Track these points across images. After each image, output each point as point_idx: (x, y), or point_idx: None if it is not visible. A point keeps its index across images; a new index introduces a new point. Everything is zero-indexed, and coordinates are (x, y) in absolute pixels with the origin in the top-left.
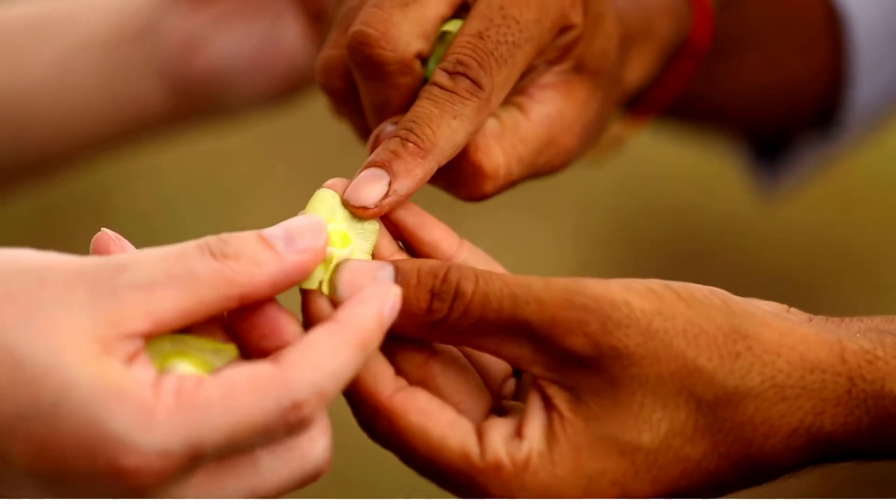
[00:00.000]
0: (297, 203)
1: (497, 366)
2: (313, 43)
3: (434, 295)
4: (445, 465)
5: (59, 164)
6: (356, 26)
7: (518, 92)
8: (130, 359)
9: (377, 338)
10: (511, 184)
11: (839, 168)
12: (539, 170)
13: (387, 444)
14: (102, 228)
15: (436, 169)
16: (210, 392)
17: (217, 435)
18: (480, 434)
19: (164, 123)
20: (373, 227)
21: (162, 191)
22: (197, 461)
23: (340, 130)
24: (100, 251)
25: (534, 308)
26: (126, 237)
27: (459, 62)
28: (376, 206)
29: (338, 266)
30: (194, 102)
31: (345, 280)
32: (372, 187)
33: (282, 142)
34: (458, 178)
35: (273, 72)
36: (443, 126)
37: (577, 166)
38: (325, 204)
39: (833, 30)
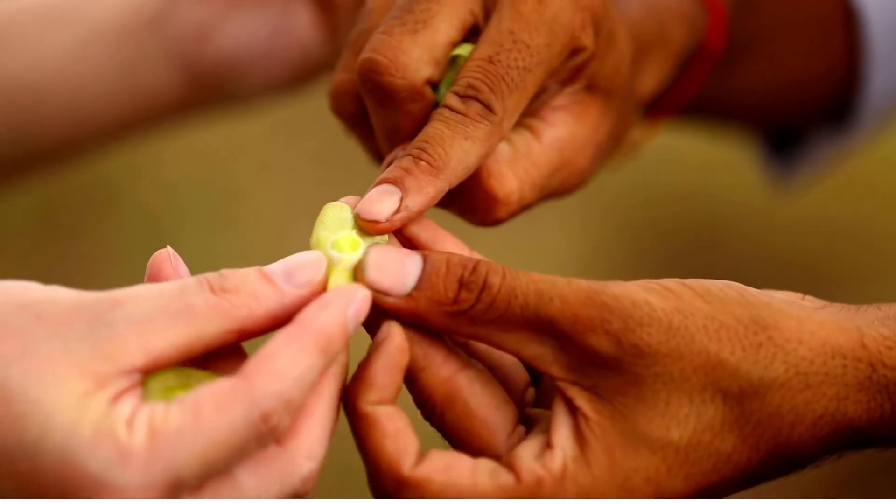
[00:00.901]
0: (306, 193)
1: (517, 375)
2: (324, 30)
3: (462, 285)
4: None
5: (72, 153)
6: (366, 53)
7: (530, 114)
8: (121, 394)
9: (339, 341)
10: (524, 208)
11: (853, 156)
12: (553, 192)
13: None
14: (168, 247)
15: (447, 189)
16: (179, 419)
17: (193, 459)
18: (510, 461)
19: (177, 111)
20: (383, 237)
21: (168, 182)
22: (178, 490)
23: (329, 123)
24: (155, 268)
25: (557, 305)
26: (132, 229)
27: (470, 86)
28: (387, 221)
29: (368, 250)
30: (206, 90)
31: (373, 262)
32: (384, 202)
33: (290, 131)
34: (472, 204)
35: (285, 59)
36: (455, 147)
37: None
38: (336, 216)
39: (847, 25)
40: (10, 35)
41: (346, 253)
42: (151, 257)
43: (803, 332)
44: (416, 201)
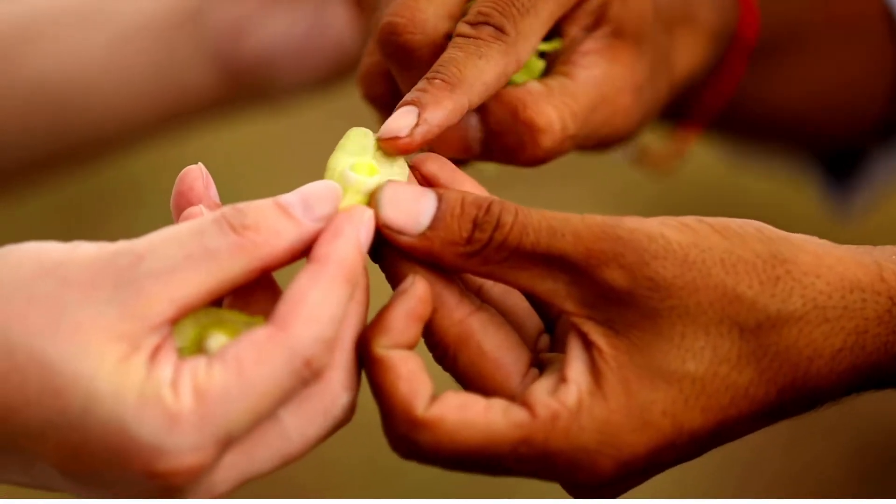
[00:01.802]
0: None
1: (530, 321)
2: (360, 27)
3: (476, 225)
4: (504, 445)
5: (108, 150)
6: (384, 19)
7: (562, 62)
8: (156, 351)
9: (359, 267)
10: (571, 141)
11: None
12: (598, 129)
13: (435, 458)
14: (199, 164)
15: (466, 105)
16: (224, 379)
17: (242, 417)
18: (525, 398)
19: (213, 108)
20: (402, 172)
21: None
22: (228, 446)
23: (369, 117)
24: (186, 185)
25: (570, 240)
26: (155, 227)
27: (481, 13)
28: (408, 137)
29: (380, 186)
30: (242, 87)
31: (388, 199)
32: (403, 119)
33: (317, 130)
34: (514, 142)
35: (320, 56)
36: (469, 65)
37: (596, 161)
38: (357, 142)
39: (894, 34)
40: (47, 35)
41: (361, 175)
42: (181, 174)
43: (821, 267)
44: (435, 115)
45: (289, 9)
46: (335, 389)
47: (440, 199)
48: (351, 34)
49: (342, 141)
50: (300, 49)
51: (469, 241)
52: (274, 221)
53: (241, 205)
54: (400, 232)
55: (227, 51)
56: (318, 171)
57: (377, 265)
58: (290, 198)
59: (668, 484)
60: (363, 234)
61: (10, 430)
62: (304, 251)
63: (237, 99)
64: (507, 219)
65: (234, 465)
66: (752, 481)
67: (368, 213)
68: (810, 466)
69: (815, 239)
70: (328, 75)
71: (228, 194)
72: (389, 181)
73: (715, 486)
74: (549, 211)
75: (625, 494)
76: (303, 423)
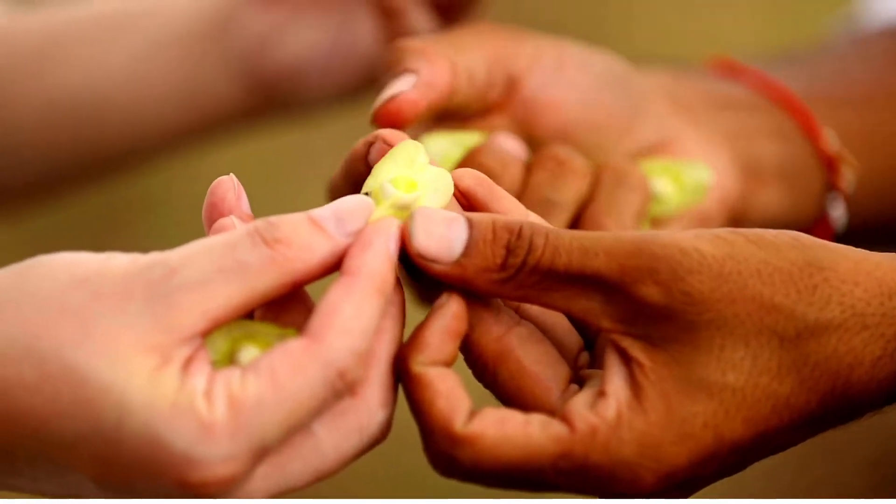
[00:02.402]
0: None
1: (570, 338)
2: (386, 40)
3: (509, 250)
4: (544, 459)
5: (135, 162)
6: None
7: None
8: (188, 363)
9: (391, 278)
10: None
11: None
12: None
13: (474, 474)
14: (231, 175)
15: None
16: (258, 389)
17: (276, 428)
18: (564, 413)
19: (239, 120)
20: (447, 188)
21: None
22: (262, 457)
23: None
24: (219, 196)
25: (603, 259)
26: (187, 236)
27: None
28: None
29: (412, 213)
30: (269, 99)
31: (420, 227)
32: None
33: (344, 142)
34: None
35: (347, 68)
36: None
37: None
38: (407, 154)
39: None
40: (72, 48)
41: (399, 190)
42: (212, 185)
43: (859, 273)
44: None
45: (315, 21)
46: (371, 406)
47: (471, 225)
48: (377, 46)
49: (393, 150)
50: (326, 61)
51: (503, 266)
52: (306, 236)
53: (274, 218)
54: (434, 261)
55: (254, 63)
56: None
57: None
58: (322, 212)
59: None
60: (392, 246)
61: (43, 440)
62: (336, 266)
63: (263, 111)
64: (539, 241)
65: (268, 477)
66: (767, 495)
67: (394, 224)
68: (824, 481)
69: (851, 247)
70: (354, 87)
71: (258, 205)
72: (421, 207)
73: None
74: (581, 231)
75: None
76: (338, 438)
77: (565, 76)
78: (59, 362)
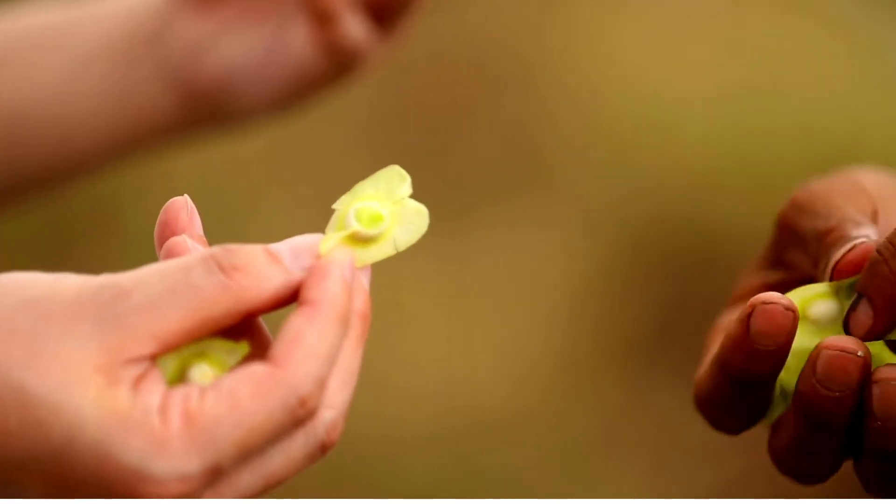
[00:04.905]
0: (308, 212)
1: None
2: (320, 47)
3: None
4: None
5: (68, 177)
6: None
7: None
8: (138, 381)
9: (348, 306)
10: None
11: None
12: None
13: None
14: (185, 195)
15: None
16: (216, 408)
17: (232, 448)
18: None
19: (174, 131)
20: (419, 228)
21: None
22: (216, 477)
23: (350, 135)
24: (172, 216)
25: None
26: (138, 247)
27: None
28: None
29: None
30: (203, 109)
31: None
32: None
33: (292, 147)
34: None
35: (281, 77)
36: None
37: (589, 177)
38: (389, 182)
39: None
40: (5, 62)
41: (361, 223)
42: (166, 205)
43: None
44: None
45: (248, 30)
46: (318, 426)
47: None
48: (312, 54)
49: (377, 174)
50: (260, 70)
51: None
52: (263, 266)
53: (232, 246)
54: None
55: (186, 73)
56: (302, 186)
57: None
58: (279, 246)
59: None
60: (347, 273)
61: None
62: (289, 298)
63: (199, 121)
64: None
65: (217, 491)
66: (767, 495)
67: (349, 255)
68: (735, 482)
69: None
70: (290, 95)
71: (213, 212)
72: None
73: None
74: None
75: (625, 496)
76: (284, 450)
77: (892, 203)
78: (6, 383)
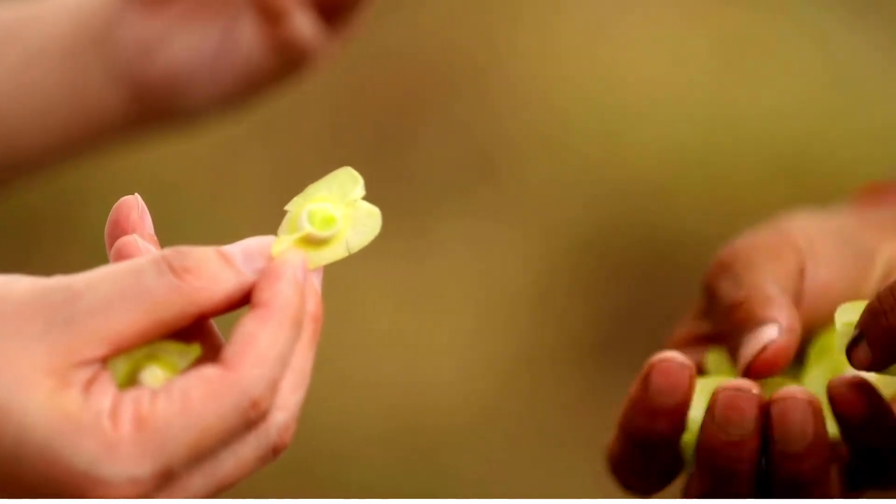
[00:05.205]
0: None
1: None
2: (270, 44)
3: None
4: None
5: (17, 175)
6: None
7: None
8: (89, 384)
9: (302, 308)
10: None
11: None
12: None
13: None
14: (136, 194)
15: None
16: (167, 410)
17: (182, 451)
18: None
19: (124, 129)
20: (372, 230)
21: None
22: (167, 478)
23: (303, 136)
24: (122, 215)
25: None
26: (90, 247)
27: None
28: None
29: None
30: (153, 107)
31: None
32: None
33: (245, 149)
34: None
35: (230, 74)
36: None
37: (544, 177)
38: (342, 184)
39: None
40: None
41: (314, 225)
42: (116, 204)
43: None
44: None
45: (198, 27)
46: (270, 428)
47: None
48: (262, 51)
49: (330, 175)
50: (210, 67)
51: None
52: (215, 268)
53: (184, 248)
54: None
55: (136, 70)
56: (253, 184)
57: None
58: (231, 248)
59: None
60: (299, 274)
61: None
62: (241, 301)
63: (149, 118)
64: None
65: (169, 493)
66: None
67: (301, 257)
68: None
69: None
70: (239, 93)
71: (162, 212)
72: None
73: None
74: None
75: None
76: (235, 453)
77: (822, 254)
78: None
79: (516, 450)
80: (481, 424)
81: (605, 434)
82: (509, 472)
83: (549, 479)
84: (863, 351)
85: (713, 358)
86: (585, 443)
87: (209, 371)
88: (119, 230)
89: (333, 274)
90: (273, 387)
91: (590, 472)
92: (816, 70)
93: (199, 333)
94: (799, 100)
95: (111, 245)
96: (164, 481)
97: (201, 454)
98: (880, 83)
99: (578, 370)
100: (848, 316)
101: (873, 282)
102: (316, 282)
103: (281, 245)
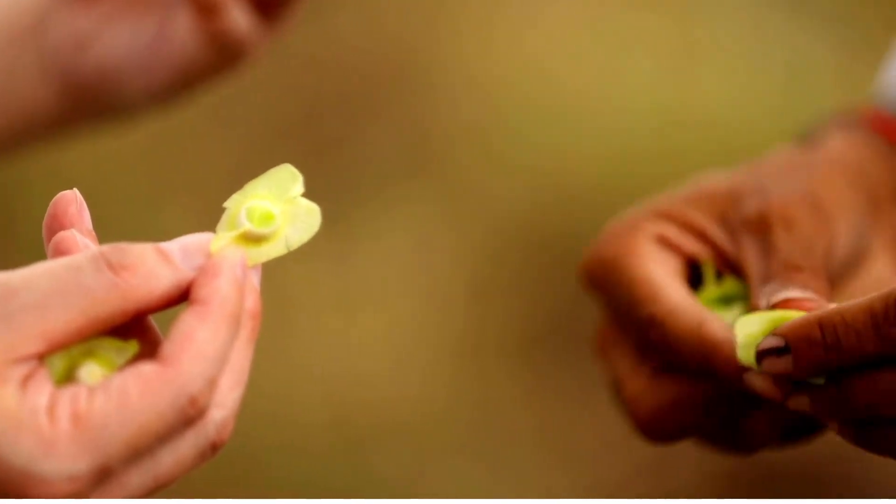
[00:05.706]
0: (201, 206)
1: None
2: (205, 37)
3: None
4: None
5: None
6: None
7: None
8: (25, 381)
9: (240, 306)
10: None
11: None
12: None
13: None
14: (75, 189)
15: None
16: (105, 407)
17: (120, 448)
18: None
19: (58, 123)
20: (311, 227)
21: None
22: (105, 476)
23: (242, 133)
24: (61, 210)
25: None
26: (27, 244)
27: None
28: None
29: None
30: (87, 102)
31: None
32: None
33: (183, 146)
34: None
35: (165, 68)
36: None
37: (483, 173)
38: (281, 182)
39: None
40: None
41: (252, 222)
42: (55, 199)
43: None
44: None
45: (131, 20)
46: (208, 425)
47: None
48: (196, 44)
49: (268, 173)
50: (144, 60)
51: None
52: (153, 264)
53: (122, 245)
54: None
55: (69, 65)
56: (199, 178)
57: None
58: (169, 245)
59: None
60: (239, 272)
61: None
62: (179, 297)
63: (83, 114)
64: None
65: (107, 491)
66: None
67: (240, 254)
68: (677, 492)
69: None
70: (174, 86)
71: (105, 208)
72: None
73: None
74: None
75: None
76: (174, 452)
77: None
78: None
79: (453, 447)
80: (418, 421)
81: (540, 426)
82: (446, 469)
83: (487, 475)
84: (783, 364)
85: (729, 284)
86: (525, 438)
87: (147, 368)
88: (57, 225)
89: (271, 270)
90: (211, 384)
91: (531, 467)
92: (759, 68)
93: (138, 330)
94: (741, 98)
95: (49, 240)
96: (102, 478)
97: (139, 451)
98: (823, 79)
99: (515, 363)
100: (749, 328)
101: (836, 261)
102: (255, 279)
103: (220, 242)
